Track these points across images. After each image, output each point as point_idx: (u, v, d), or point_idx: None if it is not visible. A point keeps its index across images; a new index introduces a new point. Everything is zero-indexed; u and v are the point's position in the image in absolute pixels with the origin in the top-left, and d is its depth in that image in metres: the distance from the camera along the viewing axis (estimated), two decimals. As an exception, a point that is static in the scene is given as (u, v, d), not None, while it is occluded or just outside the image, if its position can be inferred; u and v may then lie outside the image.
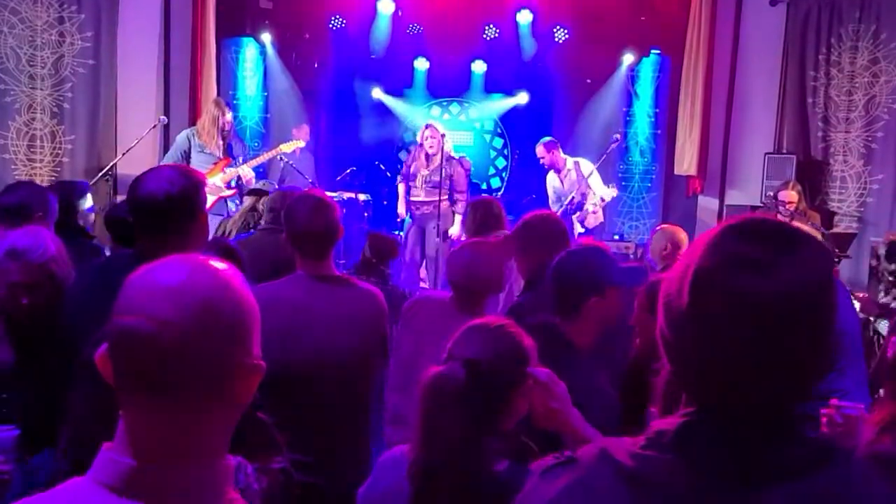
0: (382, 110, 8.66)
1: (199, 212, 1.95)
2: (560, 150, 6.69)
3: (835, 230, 6.63)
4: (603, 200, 6.59)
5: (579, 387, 1.84)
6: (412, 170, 6.45)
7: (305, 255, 2.40)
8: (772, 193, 6.58)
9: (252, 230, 3.90)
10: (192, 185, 1.92)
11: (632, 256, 6.79)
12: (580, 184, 6.50)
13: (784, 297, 0.80)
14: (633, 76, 8.11)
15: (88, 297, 1.88)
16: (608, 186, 6.63)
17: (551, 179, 6.73)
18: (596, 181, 6.59)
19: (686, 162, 7.62)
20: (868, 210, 6.87)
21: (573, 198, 6.49)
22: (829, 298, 0.84)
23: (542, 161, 6.67)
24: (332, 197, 7.36)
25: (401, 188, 6.70)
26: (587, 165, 6.64)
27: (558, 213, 6.40)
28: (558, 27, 8.04)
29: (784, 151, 7.25)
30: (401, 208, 6.72)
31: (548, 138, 6.76)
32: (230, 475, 0.91)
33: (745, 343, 0.81)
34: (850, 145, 6.98)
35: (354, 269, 3.85)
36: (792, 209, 6.11)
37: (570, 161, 6.60)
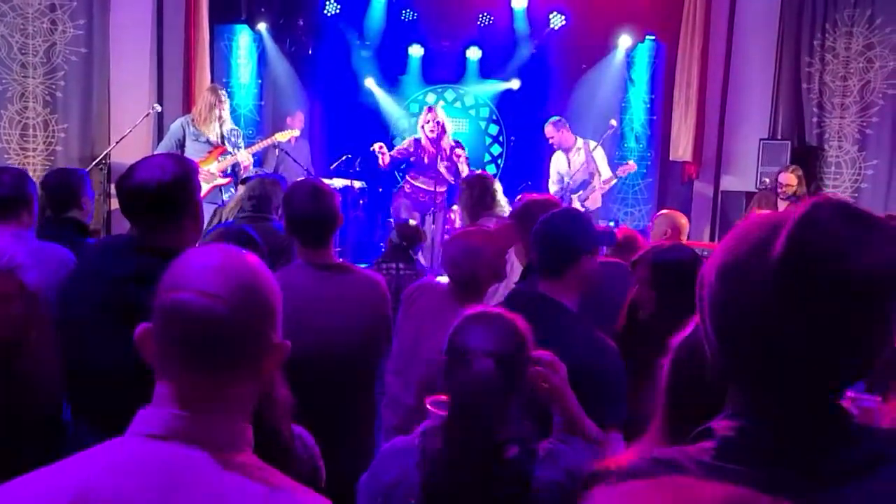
0: (377, 96, 8.62)
1: (192, 200, 1.94)
2: (568, 128, 6.67)
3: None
4: (615, 178, 6.60)
5: (587, 343, 1.88)
6: (414, 158, 6.37)
7: (305, 244, 2.40)
8: (768, 180, 6.60)
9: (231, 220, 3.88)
10: (185, 173, 1.91)
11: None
12: (589, 163, 6.49)
13: (891, 271, 0.78)
14: (628, 62, 8.08)
15: (86, 286, 1.88)
16: (625, 162, 6.64)
17: (558, 160, 6.70)
18: (602, 160, 6.61)
19: (681, 148, 7.62)
20: (863, 195, 6.89)
21: (579, 177, 6.49)
22: None
23: (550, 141, 6.62)
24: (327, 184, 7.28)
25: (387, 153, 6.37)
26: (596, 147, 6.68)
27: (558, 194, 6.48)
28: (554, 13, 8.01)
29: (779, 137, 7.25)
30: (385, 159, 6.35)
31: (556, 118, 6.74)
32: (249, 435, 1.02)
33: (842, 319, 0.78)
34: (845, 131, 6.99)
35: (383, 256, 3.93)
36: (790, 192, 6.12)
37: (579, 140, 6.58)
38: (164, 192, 1.85)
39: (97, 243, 2.20)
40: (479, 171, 5.06)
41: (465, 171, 6.17)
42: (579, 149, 6.55)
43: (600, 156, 6.64)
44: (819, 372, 0.81)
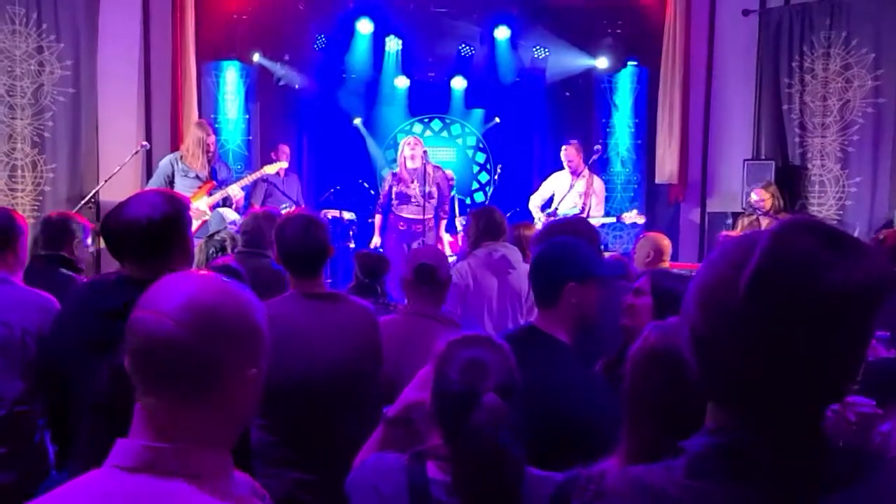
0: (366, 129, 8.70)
1: (182, 236, 1.96)
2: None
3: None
4: (616, 219, 6.71)
5: (573, 380, 1.85)
6: (397, 190, 6.41)
7: (296, 274, 2.45)
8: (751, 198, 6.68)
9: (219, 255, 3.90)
10: (175, 210, 1.93)
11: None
12: (586, 195, 6.56)
13: (862, 292, 0.79)
14: (612, 87, 8.20)
15: (75, 321, 1.89)
16: (632, 212, 6.71)
17: (560, 179, 6.73)
18: (601, 194, 6.71)
19: (667, 171, 7.70)
20: (847, 212, 6.97)
21: (567, 204, 6.55)
22: (888, 295, 0.82)
23: (570, 162, 6.67)
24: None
25: (377, 219, 6.63)
26: (599, 183, 6.80)
27: (537, 212, 6.59)
28: (537, 46, 8.14)
29: (763, 158, 7.35)
30: (376, 239, 6.64)
31: (574, 141, 6.82)
32: (230, 470, 1.00)
33: (812, 338, 0.79)
34: (827, 150, 7.09)
35: (349, 292, 3.87)
36: (768, 208, 6.19)
37: (587, 171, 6.65)
38: (154, 229, 1.86)
39: (87, 281, 2.20)
40: (485, 204, 5.18)
41: (445, 196, 6.25)
42: (584, 177, 6.62)
43: (600, 190, 6.74)
44: (792, 389, 0.82)
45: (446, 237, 6.66)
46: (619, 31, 7.88)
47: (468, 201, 8.61)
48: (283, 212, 4.25)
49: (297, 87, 8.20)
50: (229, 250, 3.81)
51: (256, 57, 7.74)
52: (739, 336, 0.81)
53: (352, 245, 7.77)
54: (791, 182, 7.13)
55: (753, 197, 6.26)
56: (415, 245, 6.17)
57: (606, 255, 6.64)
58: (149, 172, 6.63)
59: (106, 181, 6.13)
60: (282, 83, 8.09)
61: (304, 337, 2.31)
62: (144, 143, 6.59)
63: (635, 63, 8.09)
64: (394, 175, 6.46)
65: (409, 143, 6.32)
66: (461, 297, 3.74)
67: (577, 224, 3.18)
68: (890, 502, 0.82)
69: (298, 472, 2.25)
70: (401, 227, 6.41)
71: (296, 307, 2.39)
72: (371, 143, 8.66)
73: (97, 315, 1.83)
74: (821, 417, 0.85)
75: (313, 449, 2.24)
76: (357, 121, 8.47)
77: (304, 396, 2.26)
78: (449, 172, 6.79)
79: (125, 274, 1.90)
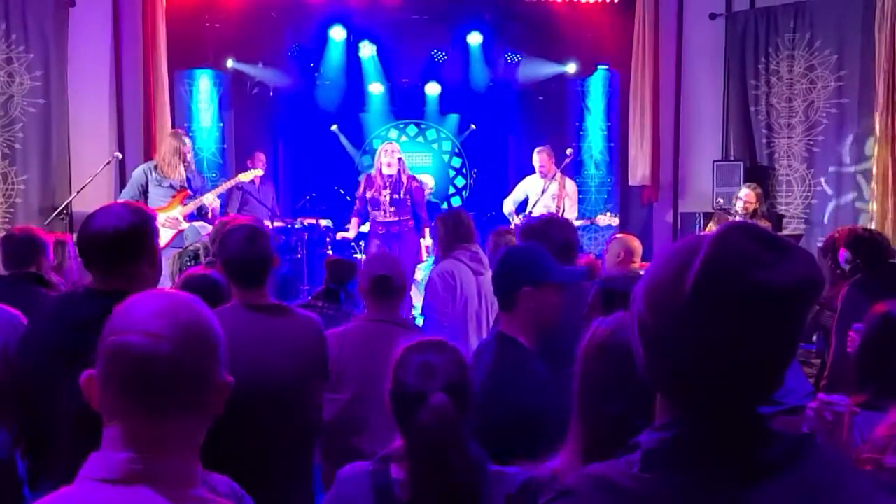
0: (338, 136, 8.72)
1: (149, 247, 1.97)
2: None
3: (784, 232, 6.85)
4: (590, 222, 6.78)
5: (531, 382, 1.88)
6: (369, 195, 6.43)
7: (239, 285, 2.38)
8: (721, 200, 6.79)
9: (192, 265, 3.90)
10: (142, 221, 1.95)
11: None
12: (559, 198, 6.63)
13: (793, 289, 0.84)
14: (584, 91, 8.30)
15: (44, 334, 1.90)
16: (606, 215, 6.77)
17: (533, 182, 6.80)
18: (573, 197, 6.77)
19: (639, 173, 7.81)
20: (813, 211, 7.12)
21: (540, 206, 6.62)
22: (817, 297, 0.89)
23: (541, 167, 6.73)
24: (268, 225, 7.28)
25: (353, 221, 6.67)
26: (571, 185, 6.85)
27: (510, 214, 6.66)
28: (509, 53, 8.22)
29: (732, 159, 7.48)
30: (352, 233, 6.71)
31: (546, 146, 6.87)
32: (200, 474, 1.04)
33: (749, 332, 0.84)
34: (794, 150, 7.23)
35: (314, 295, 3.88)
36: (750, 209, 6.27)
37: (559, 174, 6.73)
38: (121, 240, 1.88)
39: (55, 295, 2.20)
40: (451, 208, 5.21)
41: (421, 204, 6.27)
42: (556, 181, 6.70)
43: (573, 192, 6.81)
44: (727, 381, 0.87)
45: (423, 242, 6.70)
46: (589, 35, 7.99)
47: (444, 205, 8.67)
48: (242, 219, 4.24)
49: (273, 88, 8.19)
50: (202, 259, 3.82)
51: (230, 62, 7.73)
52: (683, 331, 0.86)
53: (329, 252, 7.80)
54: (759, 182, 7.25)
55: (740, 195, 6.31)
56: (373, 247, 6.21)
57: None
58: (122, 182, 6.59)
59: (78, 192, 6.09)
60: (255, 91, 8.09)
61: (244, 350, 2.19)
62: (117, 152, 6.55)
63: (606, 67, 8.19)
64: (368, 178, 6.48)
65: (386, 151, 6.35)
66: (451, 297, 3.79)
67: (551, 222, 3.20)
68: (817, 485, 0.88)
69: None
70: (380, 232, 6.43)
71: (236, 319, 2.31)
72: (349, 147, 8.68)
73: (66, 328, 1.84)
74: (756, 407, 0.90)
75: (252, 463, 2.16)
76: (334, 127, 8.49)
77: (244, 412, 2.11)
78: (426, 179, 6.82)
79: (93, 286, 1.92)
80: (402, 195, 6.18)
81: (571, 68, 8.07)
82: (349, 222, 6.77)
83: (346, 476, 1.66)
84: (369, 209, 6.41)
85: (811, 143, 7.11)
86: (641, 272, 2.71)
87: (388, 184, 6.22)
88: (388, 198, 6.22)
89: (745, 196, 6.29)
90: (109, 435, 1.00)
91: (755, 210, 6.28)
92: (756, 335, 0.85)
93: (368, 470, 1.61)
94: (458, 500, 1.51)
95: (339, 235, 6.73)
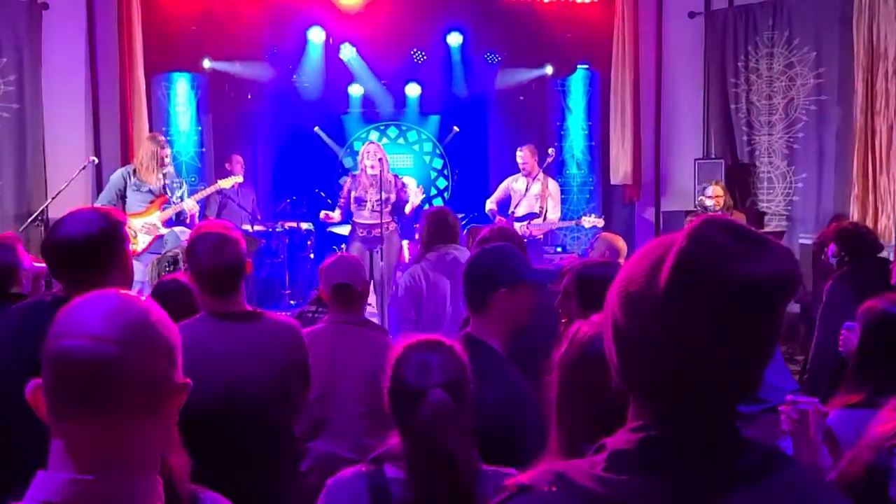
0: (320, 137, 8.66)
1: (120, 252, 1.92)
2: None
3: (766, 229, 6.88)
4: (574, 223, 6.79)
5: (502, 386, 1.85)
6: (355, 194, 6.36)
7: (208, 293, 2.29)
8: (702, 196, 6.82)
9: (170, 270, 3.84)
10: (112, 226, 1.90)
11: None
12: (542, 197, 6.62)
13: (771, 282, 0.82)
14: (564, 91, 8.30)
15: (11, 345, 1.84)
16: (591, 216, 6.76)
17: (517, 180, 6.78)
18: (556, 197, 6.76)
19: (621, 172, 7.82)
20: (795, 208, 7.16)
21: (524, 206, 6.61)
22: (795, 291, 0.86)
23: (524, 165, 6.70)
24: (249, 229, 7.09)
25: (336, 213, 6.56)
26: (554, 185, 6.83)
27: (493, 213, 6.64)
28: (489, 53, 8.20)
29: (713, 156, 7.51)
30: (336, 216, 6.53)
31: (530, 145, 6.84)
32: (159, 490, 0.97)
33: (727, 327, 0.82)
34: (774, 147, 7.27)
35: (309, 301, 3.85)
36: (721, 205, 6.34)
37: (541, 174, 6.71)
38: (90, 246, 1.83)
39: (19, 305, 2.11)
40: (436, 207, 5.16)
41: (414, 198, 6.21)
42: (539, 180, 6.68)
43: (555, 192, 6.80)
44: (703, 381, 0.85)
45: (404, 243, 6.65)
46: (569, 35, 7.99)
47: (426, 207, 8.63)
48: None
49: (250, 91, 8.11)
50: (181, 265, 3.76)
51: (207, 63, 7.64)
52: (658, 328, 0.84)
53: (311, 256, 7.73)
54: (740, 179, 7.30)
55: (708, 194, 6.39)
56: (354, 250, 6.12)
57: (560, 257, 6.75)
58: (98, 187, 6.50)
59: (53, 198, 5.98)
60: (232, 95, 8.01)
61: (214, 362, 2.14)
62: (93, 157, 6.44)
63: (586, 66, 8.20)
64: (353, 177, 6.43)
65: (368, 152, 6.29)
66: (415, 301, 3.73)
67: (504, 231, 3.21)
68: (791, 498, 0.85)
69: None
70: (361, 234, 6.37)
71: (206, 330, 2.21)
72: (333, 145, 8.61)
73: (36, 336, 1.77)
74: (731, 413, 0.88)
75: (229, 475, 2.09)
76: (316, 128, 8.43)
77: (217, 423, 2.06)
78: (409, 181, 6.76)
79: (61, 295, 1.86)
80: (386, 194, 6.11)
81: (551, 69, 8.07)
82: (333, 210, 6.60)
83: (336, 483, 1.64)
84: (353, 208, 6.34)
85: (791, 140, 7.16)
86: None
87: (373, 183, 6.16)
88: (373, 196, 6.16)
89: (713, 192, 6.37)
90: (55, 450, 0.94)
91: (725, 203, 6.36)
92: (734, 331, 0.83)
93: (362, 472, 1.60)
94: (457, 498, 1.50)
95: (323, 213, 6.53)
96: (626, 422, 0.90)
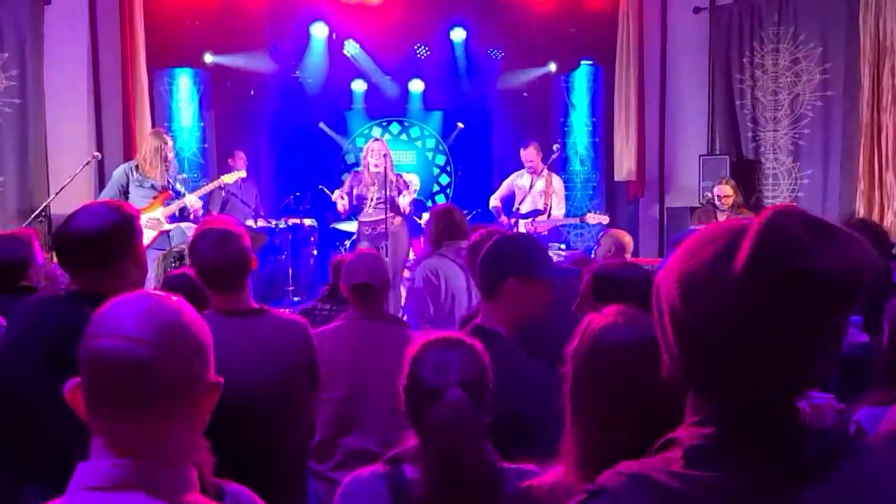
0: (323, 133, 8.63)
1: (133, 246, 1.90)
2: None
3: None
4: (578, 220, 6.74)
5: (508, 373, 1.84)
6: (357, 192, 6.31)
7: (215, 291, 2.27)
8: (710, 194, 6.80)
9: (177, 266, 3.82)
10: (124, 220, 1.88)
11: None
12: (546, 194, 6.60)
13: (847, 275, 0.81)
14: (568, 87, 8.27)
15: (27, 341, 1.81)
16: (595, 213, 6.73)
17: (521, 177, 6.75)
18: (560, 193, 6.73)
19: (625, 168, 7.80)
20: (800, 204, 7.07)
21: (529, 203, 6.58)
22: (870, 281, 0.85)
23: (529, 164, 6.69)
24: (252, 225, 6.96)
25: (346, 199, 6.46)
26: (558, 182, 6.81)
27: (497, 210, 6.59)
28: (493, 49, 8.17)
29: (717, 153, 7.48)
30: (341, 206, 6.38)
31: (534, 143, 6.81)
32: (194, 479, 1.02)
33: (798, 317, 0.81)
34: (779, 143, 7.24)
35: (320, 297, 3.83)
36: (729, 204, 6.34)
37: (545, 171, 6.68)
38: (103, 239, 1.80)
39: (33, 298, 2.09)
40: (444, 204, 5.15)
41: (405, 202, 6.15)
42: (544, 177, 6.66)
43: (560, 189, 6.77)
44: (784, 373, 0.84)
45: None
46: (573, 30, 7.96)
47: (429, 203, 8.61)
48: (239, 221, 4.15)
49: (253, 87, 8.08)
50: (187, 261, 3.73)
51: (209, 58, 7.61)
52: (725, 317, 0.82)
53: (315, 252, 7.71)
54: (745, 176, 7.27)
55: (717, 192, 6.38)
56: (383, 255, 6.06)
57: (564, 253, 6.73)
58: (101, 183, 6.47)
59: (56, 194, 5.95)
60: (235, 90, 7.98)
61: (218, 360, 2.15)
62: (96, 153, 6.42)
63: (590, 62, 8.17)
64: (355, 175, 6.39)
65: (372, 150, 6.25)
66: (434, 296, 3.72)
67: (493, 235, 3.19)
68: (867, 484, 0.85)
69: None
70: (366, 232, 6.34)
71: (212, 327, 2.21)
72: (338, 138, 8.60)
73: (48, 333, 1.76)
74: (794, 404, 0.87)
75: (240, 473, 2.07)
76: (322, 123, 8.41)
77: (223, 420, 2.06)
78: (411, 178, 6.73)
79: (75, 289, 1.84)
80: (388, 192, 6.08)
81: (553, 68, 8.04)
82: (342, 199, 6.49)
83: (354, 483, 1.61)
84: (355, 205, 6.31)
85: (797, 136, 7.13)
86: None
87: (375, 181, 6.13)
88: (375, 194, 6.13)
89: (722, 191, 6.36)
90: (97, 445, 0.98)
91: (734, 202, 6.35)
92: (804, 322, 0.82)
93: (381, 472, 1.57)
94: (475, 499, 1.48)
95: (337, 193, 6.40)
96: (651, 422, 0.90)
